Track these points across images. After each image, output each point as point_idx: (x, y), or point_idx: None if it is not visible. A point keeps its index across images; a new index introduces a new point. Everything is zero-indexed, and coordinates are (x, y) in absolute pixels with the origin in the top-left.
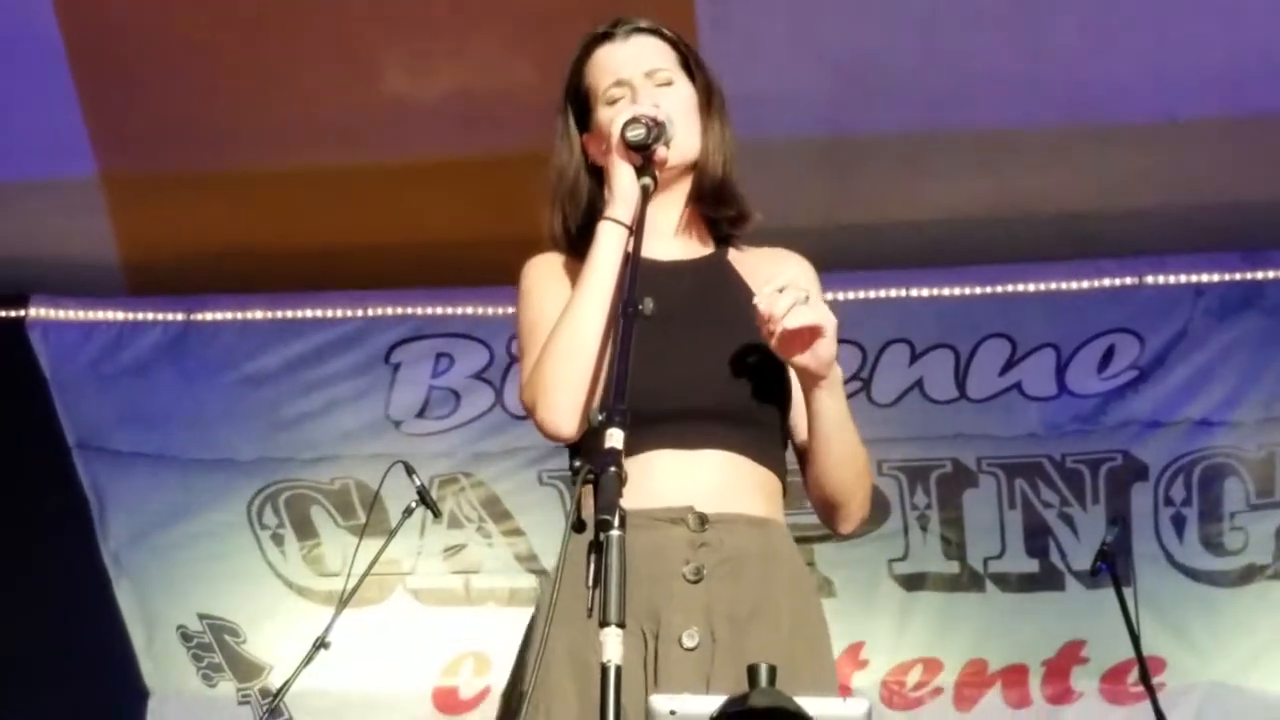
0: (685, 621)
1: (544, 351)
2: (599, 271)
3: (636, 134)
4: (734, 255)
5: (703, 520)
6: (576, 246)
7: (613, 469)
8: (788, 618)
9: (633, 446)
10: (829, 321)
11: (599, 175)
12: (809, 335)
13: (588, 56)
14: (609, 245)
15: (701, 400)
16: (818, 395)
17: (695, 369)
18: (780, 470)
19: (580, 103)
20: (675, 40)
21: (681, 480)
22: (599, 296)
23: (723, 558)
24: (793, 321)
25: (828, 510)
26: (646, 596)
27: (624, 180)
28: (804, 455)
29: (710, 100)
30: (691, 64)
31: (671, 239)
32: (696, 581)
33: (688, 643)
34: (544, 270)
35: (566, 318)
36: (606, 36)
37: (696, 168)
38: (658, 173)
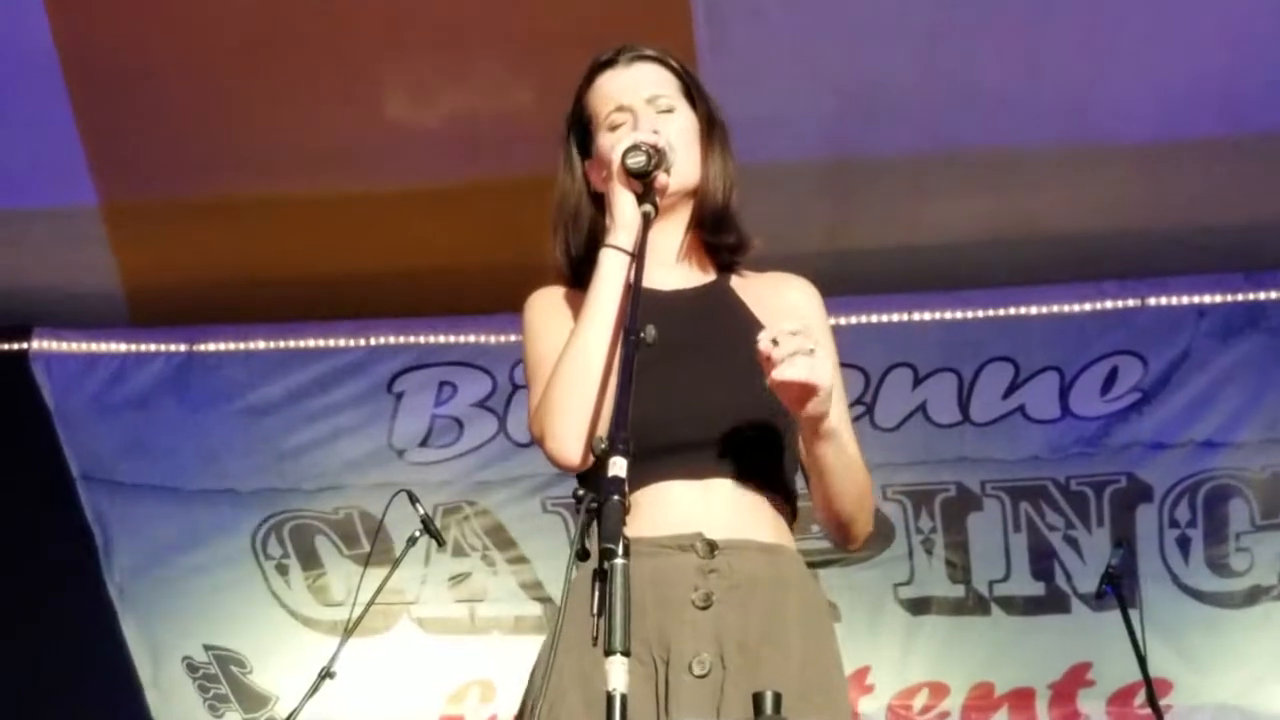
0: (695, 648)
1: (550, 381)
2: (602, 299)
3: (637, 161)
4: (736, 282)
5: (712, 547)
6: (578, 273)
7: (616, 498)
8: (799, 644)
9: (643, 478)
10: (823, 381)
11: (600, 202)
12: (802, 389)
13: (590, 83)
14: (611, 272)
15: (710, 431)
16: (811, 442)
17: (702, 399)
18: (789, 496)
19: (583, 129)
20: (678, 69)
21: (691, 509)
22: (602, 324)
23: (732, 584)
24: (784, 374)
25: (834, 530)
26: (656, 624)
27: (625, 208)
28: (808, 477)
29: (712, 129)
30: (694, 92)
31: (673, 267)
32: (705, 608)
33: (698, 670)
34: (546, 304)
35: (571, 346)
36: (609, 64)
37: (697, 195)
38: (659, 199)
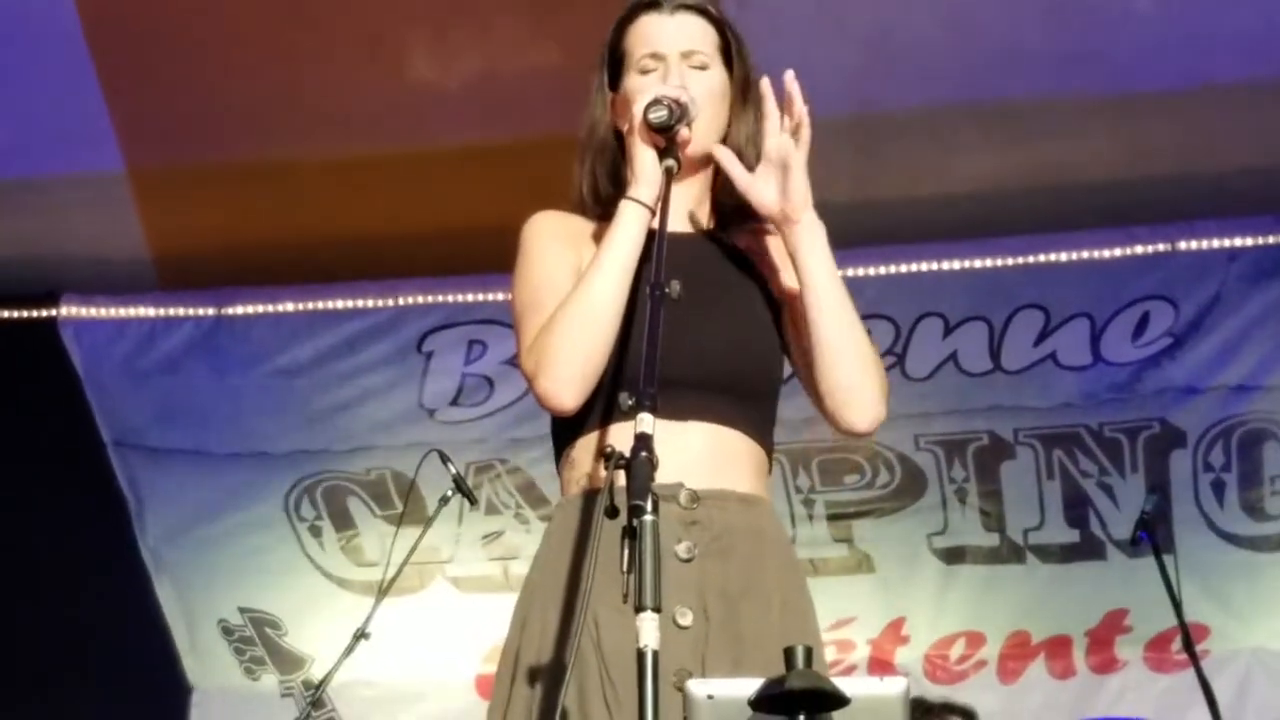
0: (679, 600)
1: (553, 320)
2: (618, 247)
3: (659, 115)
4: (738, 232)
5: (694, 497)
6: (595, 205)
7: (644, 454)
8: (777, 595)
9: (625, 414)
10: (796, 158)
11: (621, 138)
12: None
13: (631, 19)
14: (628, 223)
15: (694, 371)
16: (801, 250)
17: (689, 340)
18: (768, 446)
19: (616, 62)
20: (722, 24)
21: (671, 452)
22: (616, 272)
23: (714, 535)
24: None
25: (838, 407)
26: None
27: (646, 162)
28: (805, 357)
29: (747, 92)
30: (734, 52)
31: (682, 216)
32: (689, 560)
33: (682, 621)
34: (548, 227)
35: (581, 290)
36: (654, 5)
37: None
38: (681, 155)
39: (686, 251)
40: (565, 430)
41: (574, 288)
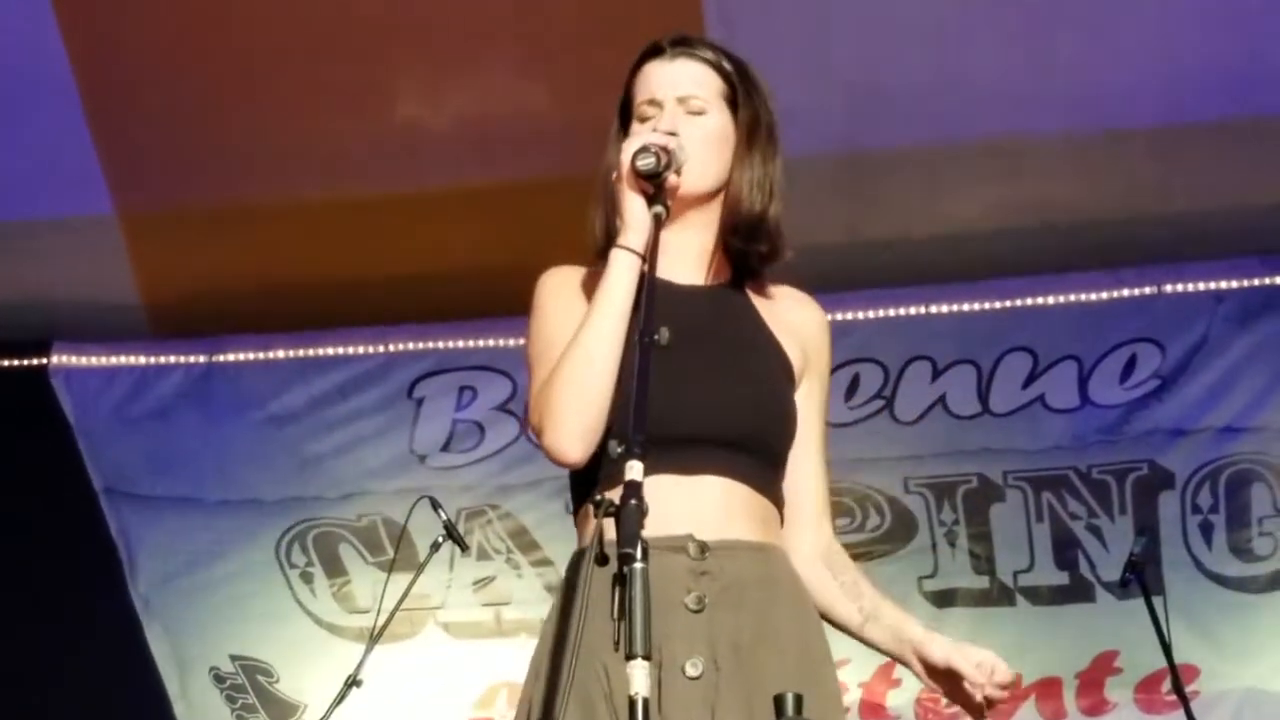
0: (688, 651)
1: (554, 373)
2: (610, 294)
3: (646, 163)
4: (752, 288)
5: (703, 548)
6: (608, 250)
7: (633, 502)
8: (792, 644)
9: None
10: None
11: None
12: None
13: (640, 67)
14: (619, 271)
15: (705, 427)
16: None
17: (699, 395)
18: (779, 498)
19: (627, 110)
20: (726, 70)
21: (681, 506)
22: (609, 319)
23: (724, 585)
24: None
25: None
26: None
27: (634, 210)
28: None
29: (753, 135)
30: (739, 96)
31: (691, 265)
32: (699, 611)
33: (691, 672)
34: (559, 284)
35: (577, 341)
36: (658, 51)
37: (727, 199)
38: (669, 201)
39: (701, 304)
40: (579, 482)
41: (572, 338)
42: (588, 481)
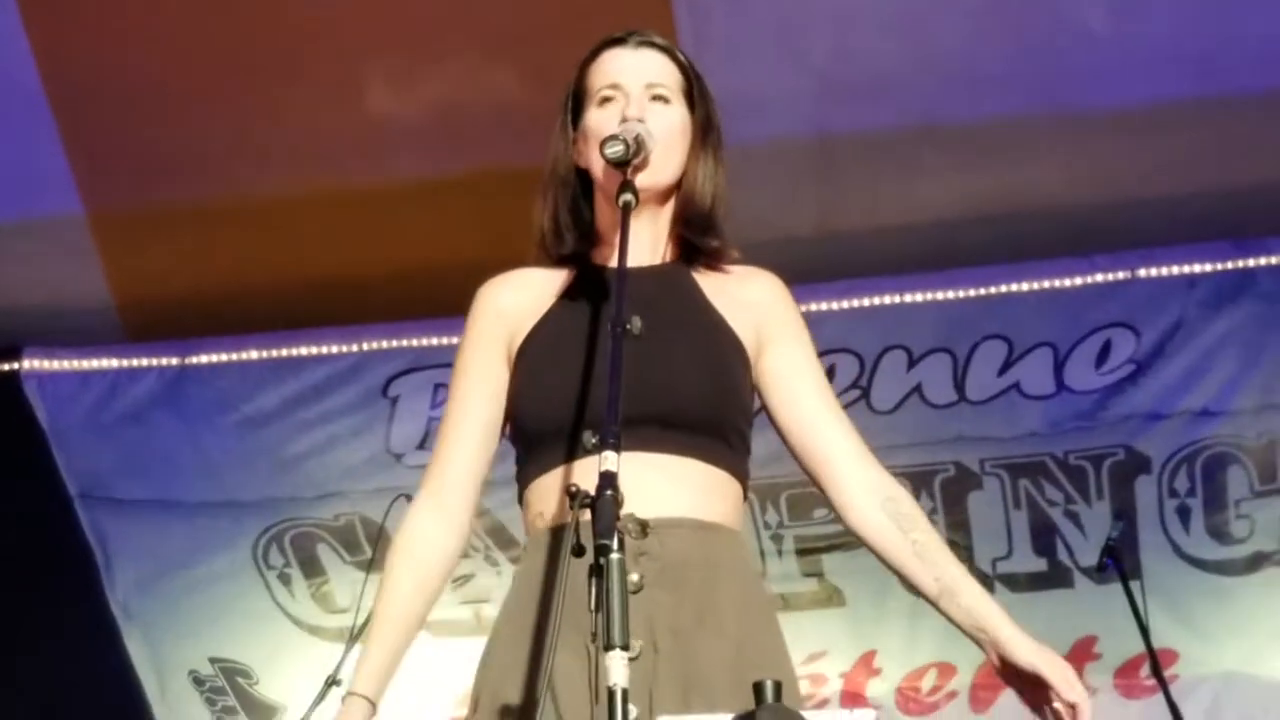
0: None
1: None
2: None
3: (615, 150)
4: (698, 269)
5: (643, 526)
6: (555, 243)
7: (609, 492)
8: (734, 627)
9: (577, 452)
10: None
11: (584, 175)
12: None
13: (595, 58)
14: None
15: (650, 408)
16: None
17: (647, 375)
18: (739, 475)
19: (579, 102)
20: (685, 66)
21: (623, 484)
22: None
23: (663, 566)
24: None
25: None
26: (587, 610)
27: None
28: (791, 435)
29: (707, 133)
30: (695, 93)
31: (641, 251)
32: (636, 592)
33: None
34: (485, 306)
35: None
36: (618, 42)
37: (682, 193)
38: (638, 188)
39: (647, 285)
40: (529, 468)
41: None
42: (537, 467)
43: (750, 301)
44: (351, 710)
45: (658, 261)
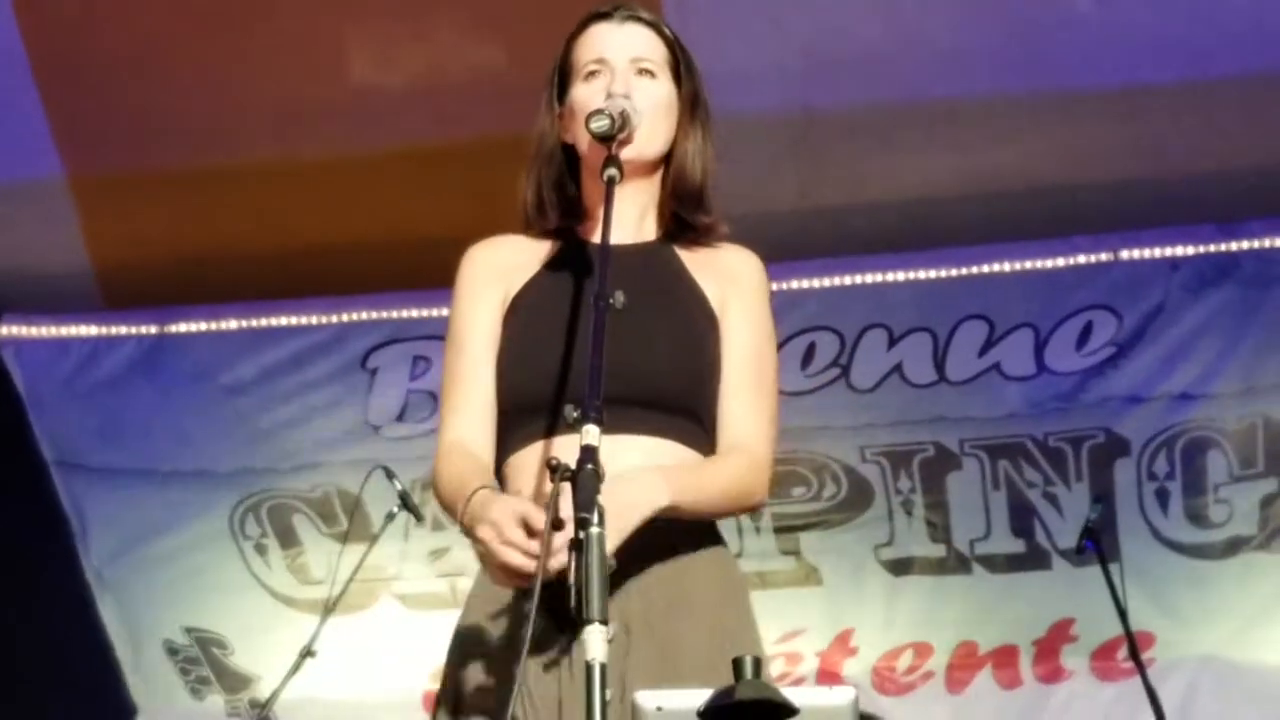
0: None
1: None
2: None
3: (600, 124)
4: (680, 245)
5: None
6: (539, 218)
7: (590, 466)
8: (707, 612)
9: (553, 430)
10: None
11: (569, 149)
12: None
13: (580, 32)
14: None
15: (626, 387)
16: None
17: (622, 355)
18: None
19: (565, 77)
20: (671, 41)
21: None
22: None
23: (634, 551)
24: None
25: None
26: (557, 594)
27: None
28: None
29: (695, 108)
30: (681, 68)
31: (626, 227)
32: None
33: None
34: (477, 266)
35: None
36: (604, 17)
37: (671, 168)
38: (623, 163)
39: (632, 260)
40: (508, 440)
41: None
42: (516, 440)
43: (724, 271)
44: (487, 496)
45: (643, 237)
